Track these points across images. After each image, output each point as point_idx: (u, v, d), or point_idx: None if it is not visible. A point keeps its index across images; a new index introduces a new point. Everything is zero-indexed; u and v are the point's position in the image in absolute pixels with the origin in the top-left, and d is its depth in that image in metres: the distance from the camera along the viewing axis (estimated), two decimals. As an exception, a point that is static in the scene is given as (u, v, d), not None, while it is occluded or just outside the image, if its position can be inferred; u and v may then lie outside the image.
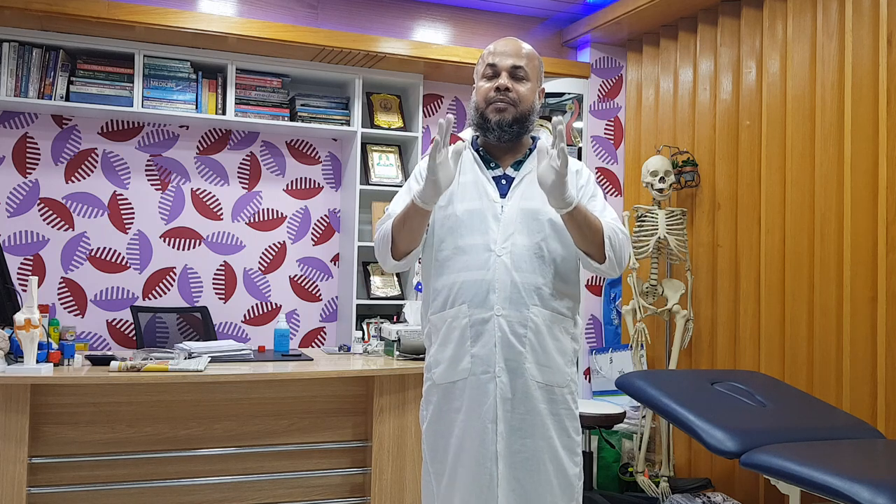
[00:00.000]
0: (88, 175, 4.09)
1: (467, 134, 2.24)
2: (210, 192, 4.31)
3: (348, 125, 4.34)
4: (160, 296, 4.20)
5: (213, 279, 4.30)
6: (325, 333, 4.53)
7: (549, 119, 4.69)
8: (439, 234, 2.12)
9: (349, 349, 3.66)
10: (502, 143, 2.13)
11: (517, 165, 2.14)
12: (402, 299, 4.39)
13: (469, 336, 2.04)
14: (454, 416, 2.06)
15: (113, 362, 2.81)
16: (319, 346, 4.49)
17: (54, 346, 2.92)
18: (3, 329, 2.80)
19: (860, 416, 3.20)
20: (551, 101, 4.73)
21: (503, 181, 2.12)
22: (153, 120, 4.14)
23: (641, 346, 4.07)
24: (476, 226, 2.07)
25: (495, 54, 2.12)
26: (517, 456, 2.02)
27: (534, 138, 2.20)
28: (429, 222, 2.09)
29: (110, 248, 4.13)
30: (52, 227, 4.03)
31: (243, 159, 4.38)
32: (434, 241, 2.13)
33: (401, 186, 4.39)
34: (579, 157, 4.64)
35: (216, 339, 4.00)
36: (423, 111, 4.62)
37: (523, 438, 2.03)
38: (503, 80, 2.09)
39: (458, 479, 2.05)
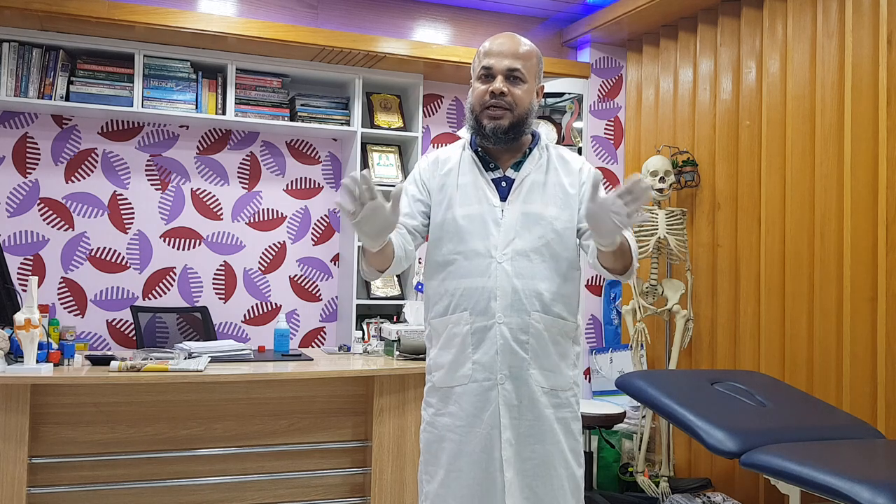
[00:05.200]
0: (88, 175, 4.09)
1: (465, 133, 2.21)
2: (210, 192, 4.31)
3: (348, 125, 4.34)
4: (160, 296, 4.20)
5: (213, 279, 4.30)
6: (325, 333, 4.53)
7: (550, 119, 4.69)
8: (440, 238, 2.09)
9: (349, 349, 3.66)
10: (498, 147, 2.09)
11: (517, 166, 2.10)
12: (402, 299, 4.39)
13: (470, 343, 2.02)
14: (450, 420, 2.05)
15: (113, 362, 2.81)
16: (319, 346, 4.49)
17: (54, 346, 2.92)
18: (3, 329, 2.80)
19: (860, 416, 3.20)
20: (551, 100, 4.73)
21: (503, 183, 2.08)
22: (153, 120, 4.14)
23: (641, 346, 4.07)
24: (476, 230, 2.03)
25: (491, 54, 2.06)
26: (528, 463, 2.01)
27: (534, 134, 2.15)
28: (400, 243, 2.03)
29: (110, 248, 4.12)
30: (52, 227, 4.03)
31: (243, 159, 4.38)
32: (435, 245, 2.10)
33: (401, 186, 4.42)
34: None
35: (216, 339, 4.00)
36: (423, 111, 4.62)
37: (534, 445, 2.01)
38: (498, 84, 2.02)
39: (452, 483, 2.03)
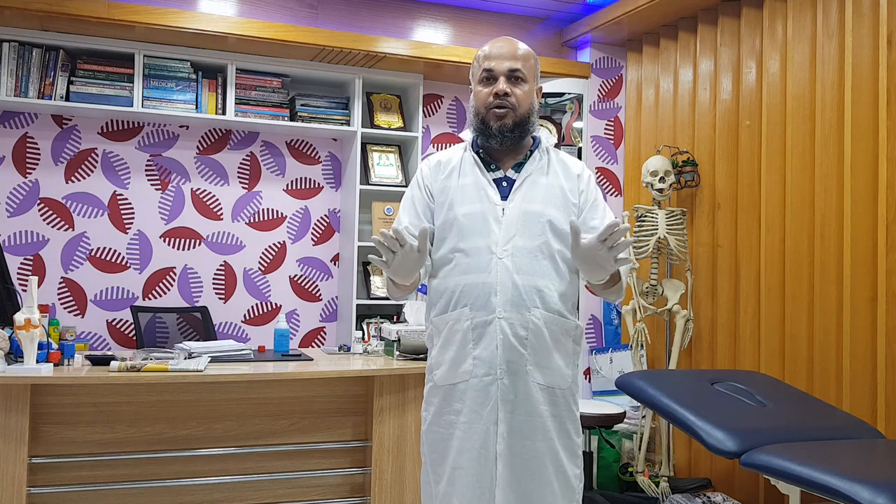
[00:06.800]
0: (88, 175, 4.09)
1: (467, 135, 2.25)
2: (210, 192, 4.31)
3: (348, 125, 4.34)
4: (160, 296, 4.20)
5: (213, 279, 4.30)
6: (325, 333, 4.53)
7: (550, 119, 4.69)
8: (441, 237, 2.13)
9: (349, 349, 3.66)
10: (504, 147, 2.14)
11: (518, 167, 2.14)
12: (402, 299, 4.39)
13: (471, 338, 2.05)
14: (455, 417, 2.06)
15: (113, 362, 2.81)
16: (319, 346, 4.49)
17: (54, 346, 2.92)
18: (3, 329, 2.80)
19: (860, 416, 3.20)
20: (551, 100, 4.73)
21: (504, 183, 2.12)
22: (153, 120, 4.14)
23: (641, 346, 4.07)
24: (477, 228, 2.07)
25: (491, 58, 2.12)
26: (518, 458, 2.03)
27: (534, 138, 2.20)
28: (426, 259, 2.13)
29: (110, 248, 4.12)
30: (52, 227, 4.03)
31: (243, 159, 4.38)
32: (436, 244, 2.14)
33: (401, 186, 4.42)
34: (579, 157, 4.63)
35: (216, 339, 4.00)
36: (423, 111, 4.62)
37: (524, 440, 2.03)
38: (501, 85, 2.09)
39: (457, 480, 2.05)
